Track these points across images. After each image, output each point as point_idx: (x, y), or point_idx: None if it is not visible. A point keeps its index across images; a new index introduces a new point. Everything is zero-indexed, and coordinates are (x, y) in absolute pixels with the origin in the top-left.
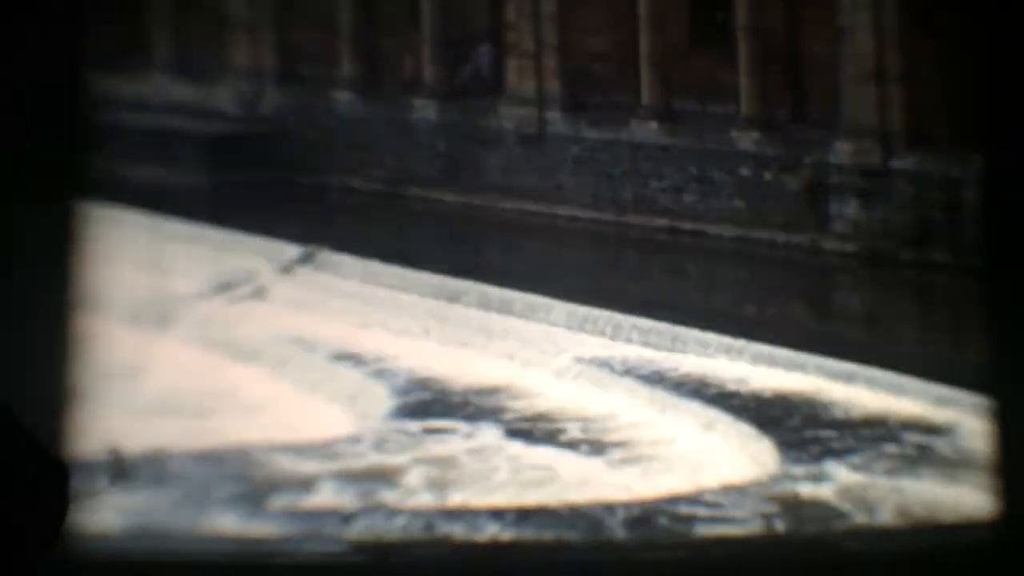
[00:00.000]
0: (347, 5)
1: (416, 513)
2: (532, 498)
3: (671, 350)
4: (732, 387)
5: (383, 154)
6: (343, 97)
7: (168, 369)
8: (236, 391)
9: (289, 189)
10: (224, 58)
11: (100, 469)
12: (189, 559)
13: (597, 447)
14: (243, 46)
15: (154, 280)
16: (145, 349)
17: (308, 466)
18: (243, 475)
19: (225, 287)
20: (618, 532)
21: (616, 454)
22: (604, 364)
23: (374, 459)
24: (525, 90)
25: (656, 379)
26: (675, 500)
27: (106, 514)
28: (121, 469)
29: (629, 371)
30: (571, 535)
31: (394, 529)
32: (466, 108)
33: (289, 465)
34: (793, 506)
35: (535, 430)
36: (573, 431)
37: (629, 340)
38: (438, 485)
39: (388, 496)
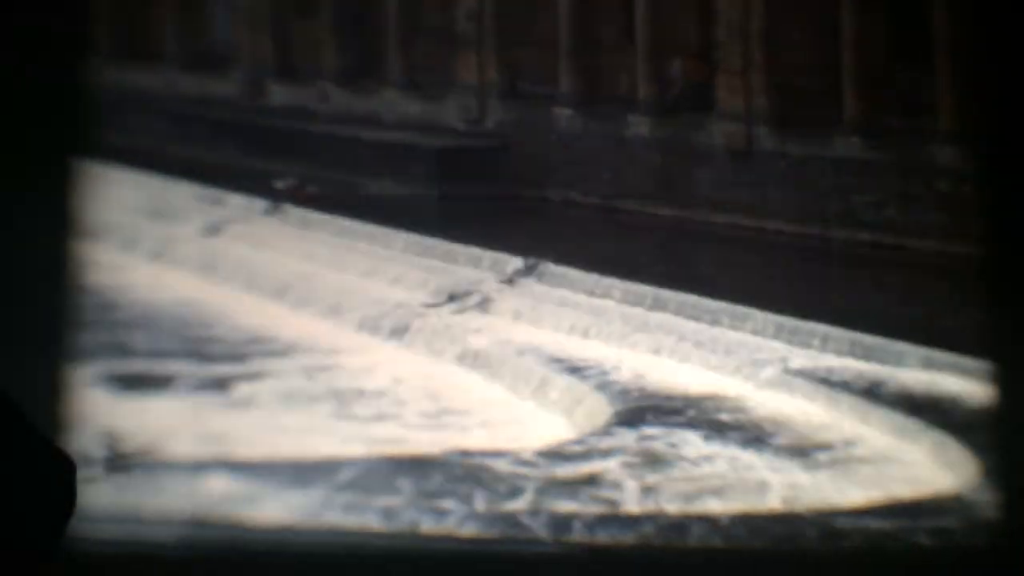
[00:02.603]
0: (567, 25)
1: (630, 518)
2: (742, 504)
3: (881, 362)
4: (947, 405)
5: (599, 168)
6: (562, 113)
7: (398, 376)
8: (461, 397)
9: (511, 202)
10: (451, 75)
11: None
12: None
13: (810, 457)
14: (469, 64)
15: (385, 290)
16: (377, 357)
17: (525, 470)
18: (465, 479)
19: (452, 297)
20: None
21: (828, 464)
22: (812, 375)
23: (591, 465)
24: (734, 106)
25: (868, 391)
26: (886, 512)
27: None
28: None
29: (839, 383)
30: (784, 543)
31: (607, 533)
32: (678, 124)
33: (507, 469)
34: None
35: (747, 438)
36: (785, 440)
37: (838, 352)
38: (652, 490)
39: (603, 501)
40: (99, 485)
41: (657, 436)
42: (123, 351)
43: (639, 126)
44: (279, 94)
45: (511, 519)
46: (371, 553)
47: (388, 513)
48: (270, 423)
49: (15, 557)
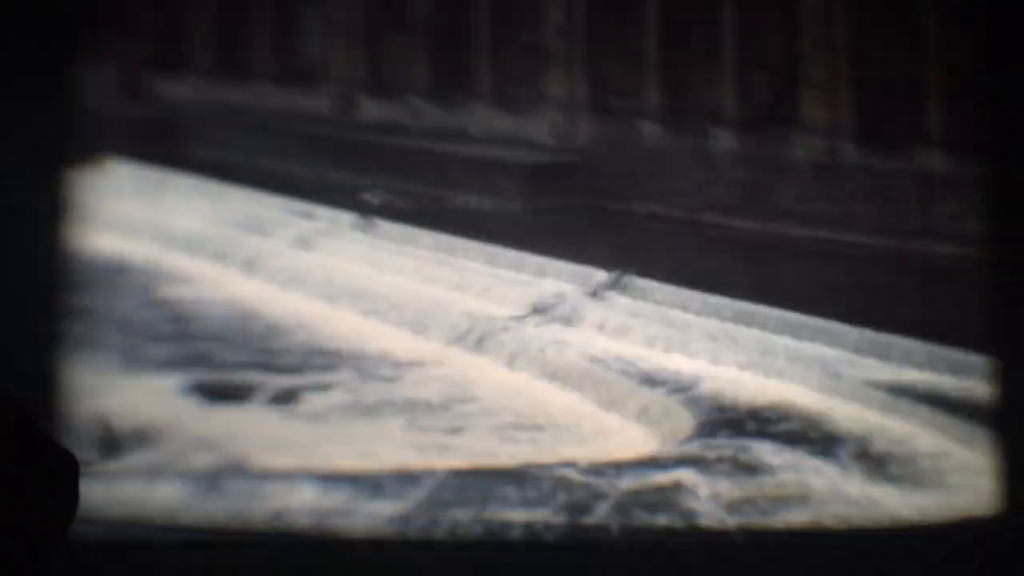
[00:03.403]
0: (654, 39)
1: (710, 529)
2: (821, 516)
3: (960, 375)
4: None
5: (684, 182)
6: (648, 127)
7: (482, 388)
8: (543, 409)
9: (598, 216)
10: (540, 90)
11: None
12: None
13: (889, 470)
14: (558, 79)
15: (473, 302)
16: (462, 369)
17: (605, 481)
18: (547, 490)
19: (538, 310)
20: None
21: (908, 477)
22: (892, 388)
23: (671, 476)
24: (818, 120)
25: (948, 405)
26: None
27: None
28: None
29: (919, 396)
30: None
31: (687, 544)
32: (762, 138)
33: (588, 480)
34: None
35: (828, 451)
36: (864, 452)
37: (918, 365)
38: (732, 501)
39: (683, 512)
40: (195, 496)
41: (738, 448)
42: (213, 362)
43: (724, 140)
44: (370, 109)
45: (591, 530)
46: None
47: (471, 523)
48: (353, 434)
49: (17, 556)
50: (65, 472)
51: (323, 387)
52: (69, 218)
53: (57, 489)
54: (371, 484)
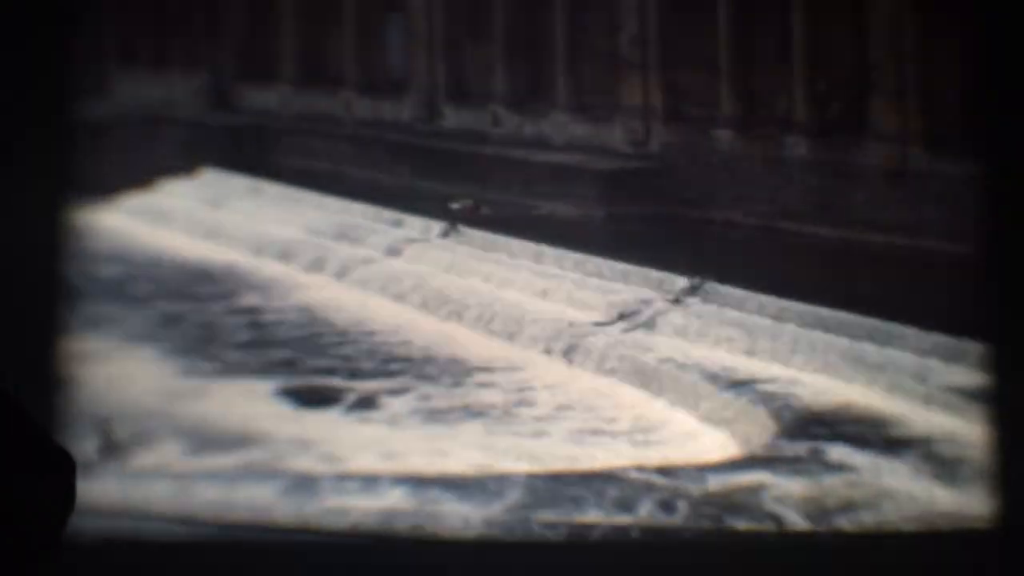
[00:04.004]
0: (726, 47)
1: (793, 532)
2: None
3: None
4: None
5: (758, 189)
6: (722, 135)
7: (567, 393)
8: (627, 414)
9: (675, 222)
10: (617, 98)
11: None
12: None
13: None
14: (634, 87)
15: (557, 309)
16: (546, 374)
17: (688, 484)
18: (631, 494)
19: (621, 316)
20: None
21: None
22: (967, 392)
23: (754, 479)
24: (888, 127)
25: None
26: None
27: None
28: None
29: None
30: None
31: (770, 547)
32: (833, 144)
33: (672, 484)
34: None
35: (905, 454)
36: (940, 456)
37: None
38: (813, 504)
39: (766, 515)
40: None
41: (815, 450)
42: (304, 367)
43: (796, 147)
44: (452, 117)
45: (672, 532)
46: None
47: (554, 526)
48: (439, 438)
49: (14, 555)
50: (61, 471)
51: (411, 392)
52: (68, 220)
53: (53, 488)
54: (456, 487)
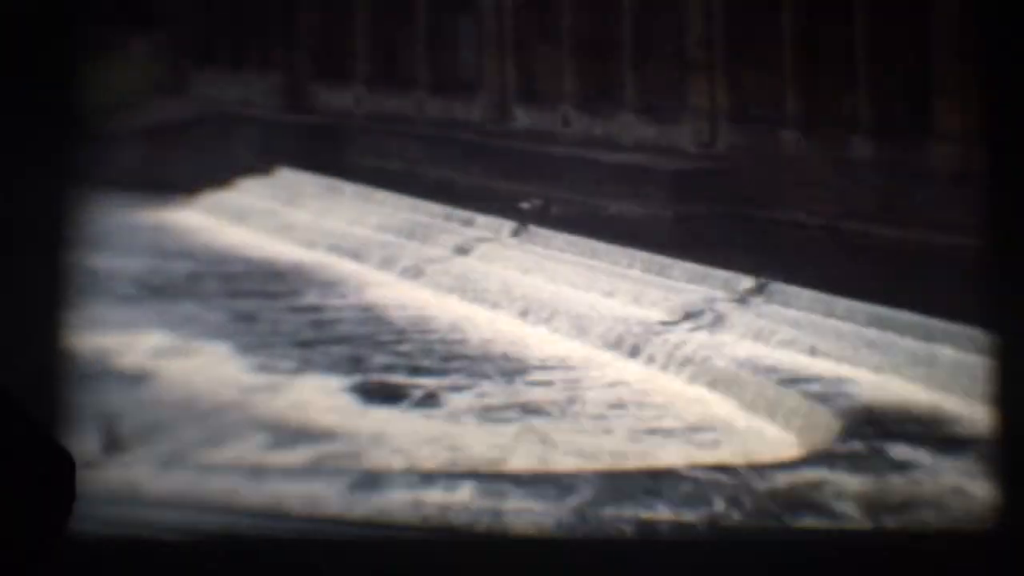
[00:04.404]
0: (791, 49)
1: (857, 532)
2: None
3: None
4: None
5: (824, 189)
6: (788, 135)
7: (633, 391)
8: (693, 412)
9: (741, 223)
10: (683, 99)
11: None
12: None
13: None
14: (700, 88)
15: (624, 308)
16: (613, 373)
17: (754, 483)
18: (697, 492)
19: (687, 315)
20: None
21: None
22: None
23: (818, 477)
24: (952, 129)
25: None
26: None
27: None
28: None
29: None
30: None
31: (833, 547)
32: (898, 145)
33: (737, 482)
34: None
35: (972, 454)
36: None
37: None
38: (876, 504)
39: (830, 514)
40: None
41: (878, 449)
42: (374, 364)
43: (862, 147)
44: (522, 117)
45: (737, 530)
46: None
47: (622, 523)
48: (508, 435)
49: (13, 554)
50: (60, 469)
51: (475, 389)
52: (69, 223)
53: (54, 487)
54: (526, 484)
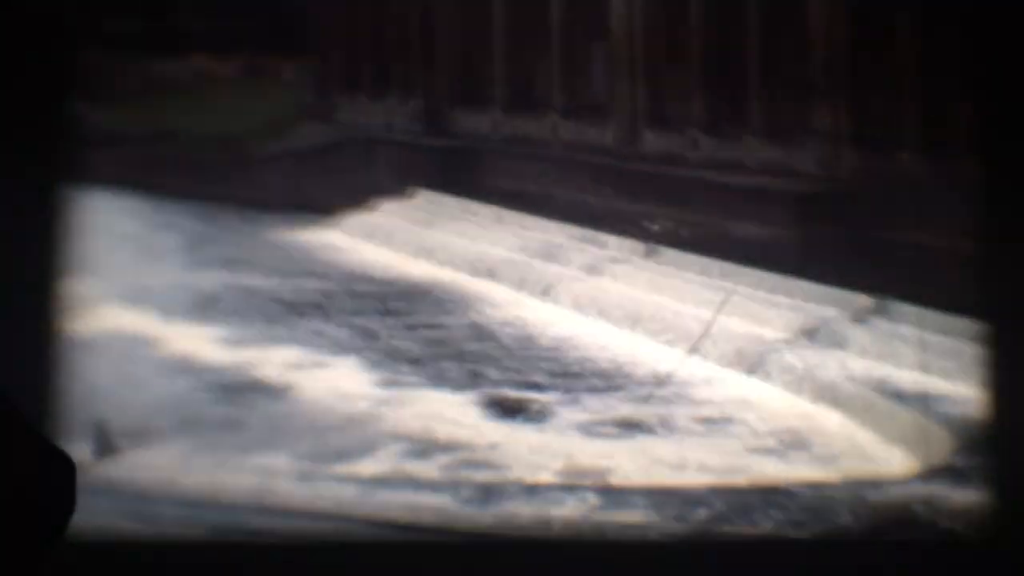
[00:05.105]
0: (910, 71)
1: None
2: None
3: None
4: None
5: (942, 210)
6: (906, 157)
7: (749, 408)
8: (812, 429)
9: (862, 243)
10: (807, 123)
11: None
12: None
13: None
14: (823, 112)
15: (746, 326)
16: (732, 390)
17: (869, 499)
18: (810, 507)
19: (806, 333)
20: None
21: None
22: None
23: (928, 492)
24: None
25: None
26: None
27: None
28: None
29: None
30: None
31: (946, 564)
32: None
33: (848, 497)
34: None
35: None
36: None
37: None
38: (986, 520)
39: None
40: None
41: (989, 466)
42: (503, 380)
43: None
44: (651, 141)
45: (848, 545)
46: None
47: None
48: (629, 450)
49: (14, 557)
50: (60, 473)
51: (602, 403)
52: (65, 227)
53: (53, 490)
54: (638, 497)
